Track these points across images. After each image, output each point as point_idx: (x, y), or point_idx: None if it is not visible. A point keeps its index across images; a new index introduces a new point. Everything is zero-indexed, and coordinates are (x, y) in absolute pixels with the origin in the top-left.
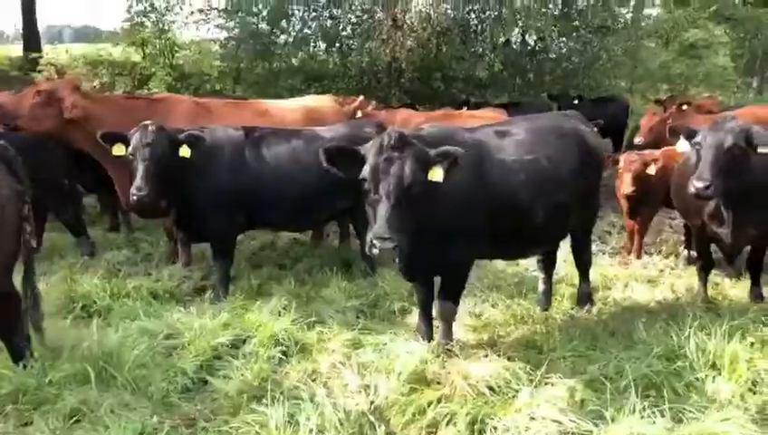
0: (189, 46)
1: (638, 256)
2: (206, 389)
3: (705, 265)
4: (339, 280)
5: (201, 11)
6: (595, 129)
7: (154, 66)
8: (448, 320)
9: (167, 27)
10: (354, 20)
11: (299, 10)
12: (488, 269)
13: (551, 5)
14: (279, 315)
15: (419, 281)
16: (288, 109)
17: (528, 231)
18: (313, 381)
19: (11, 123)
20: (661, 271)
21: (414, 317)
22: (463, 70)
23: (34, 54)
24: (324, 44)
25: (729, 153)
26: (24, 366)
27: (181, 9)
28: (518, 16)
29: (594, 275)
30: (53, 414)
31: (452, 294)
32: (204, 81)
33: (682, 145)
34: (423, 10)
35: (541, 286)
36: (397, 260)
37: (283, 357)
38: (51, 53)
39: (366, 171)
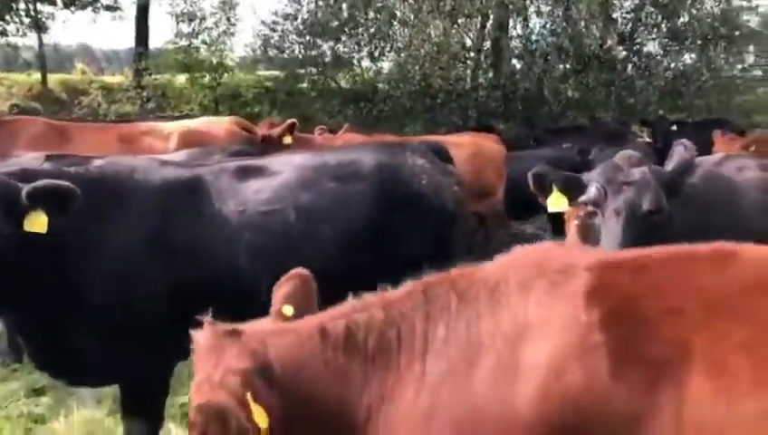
0: (231, 69)
1: None
2: None
3: None
4: None
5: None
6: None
7: (193, 88)
8: None
9: (212, 50)
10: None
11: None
12: None
13: (651, 18)
14: None
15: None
16: (162, 134)
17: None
18: None
19: None
20: None
21: None
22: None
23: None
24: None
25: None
26: None
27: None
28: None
29: None
30: None
31: (138, 410)
32: (243, 103)
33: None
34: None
35: None
36: None
37: None
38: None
39: None
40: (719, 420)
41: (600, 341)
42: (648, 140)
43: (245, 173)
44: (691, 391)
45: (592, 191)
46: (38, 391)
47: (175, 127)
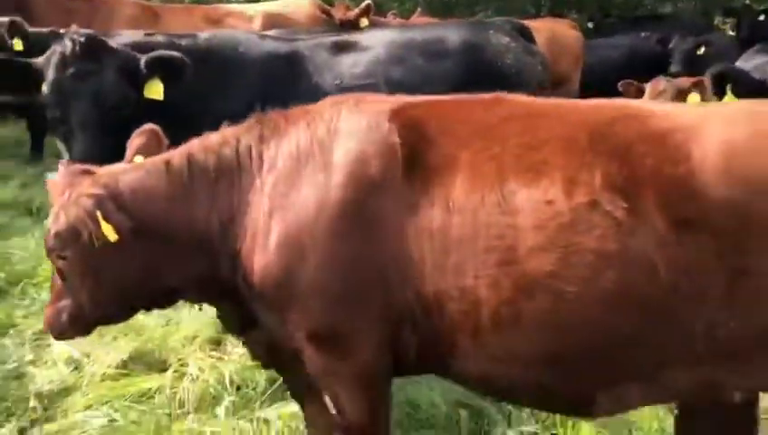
0: None
1: None
2: None
3: None
4: None
5: None
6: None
7: None
8: None
9: None
10: None
11: None
12: None
13: None
14: None
15: None
16: (246, 16)
17: None
18: None
19: None
20: None
21: None
22: None
23: None
24: None
25: None
26: None
27: None
28: None
29: None
30: None
31: None
32: None
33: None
34: None
35: None
36: None
37: None
38: None
39: (46, 92)
40: (474, 206)
41: (396, 143)
42: (731, 32)
43: (339, 48)
44: (455, 189)
45: None
46: None
47: (258, 9)
